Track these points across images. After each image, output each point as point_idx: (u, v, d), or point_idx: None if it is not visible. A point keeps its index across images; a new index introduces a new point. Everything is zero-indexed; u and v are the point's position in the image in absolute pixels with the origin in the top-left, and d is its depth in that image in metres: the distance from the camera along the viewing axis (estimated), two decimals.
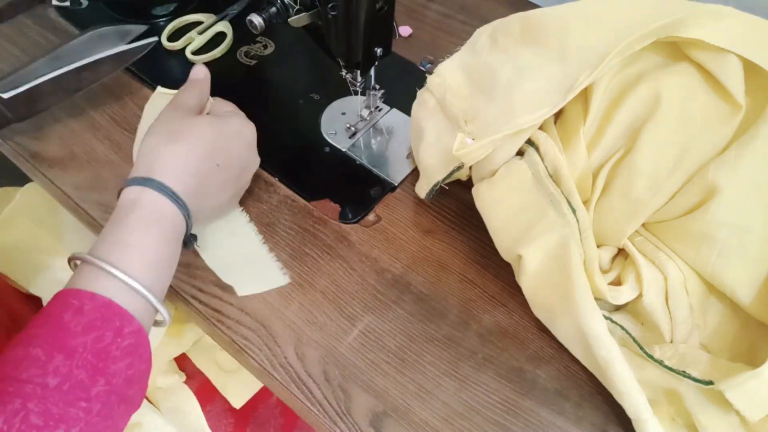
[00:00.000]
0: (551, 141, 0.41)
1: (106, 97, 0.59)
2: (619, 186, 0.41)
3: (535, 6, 0.70)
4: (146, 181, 0.40)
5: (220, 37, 0.65)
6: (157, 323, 0.40)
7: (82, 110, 0.58)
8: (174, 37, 0.65)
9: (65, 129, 0.57)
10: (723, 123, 0.39)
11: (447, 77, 0.45)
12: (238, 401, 0.59)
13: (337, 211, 0.52)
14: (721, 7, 0.38)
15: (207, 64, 0.62)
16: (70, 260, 0.38)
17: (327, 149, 0.57)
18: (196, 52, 0.63)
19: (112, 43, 0.58)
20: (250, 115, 0.51)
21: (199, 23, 0.66)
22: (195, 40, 0.64)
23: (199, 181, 0.42)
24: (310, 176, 0.55)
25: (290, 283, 0.47)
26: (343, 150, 0.56)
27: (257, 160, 0.50)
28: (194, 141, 0.43)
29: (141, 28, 0.63)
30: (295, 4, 0.46)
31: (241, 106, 0.51)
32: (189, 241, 0.43)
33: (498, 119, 0.40)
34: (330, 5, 0.44)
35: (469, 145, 0.40)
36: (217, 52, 0.64)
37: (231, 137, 0.46)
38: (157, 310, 0.38)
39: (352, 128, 0.57)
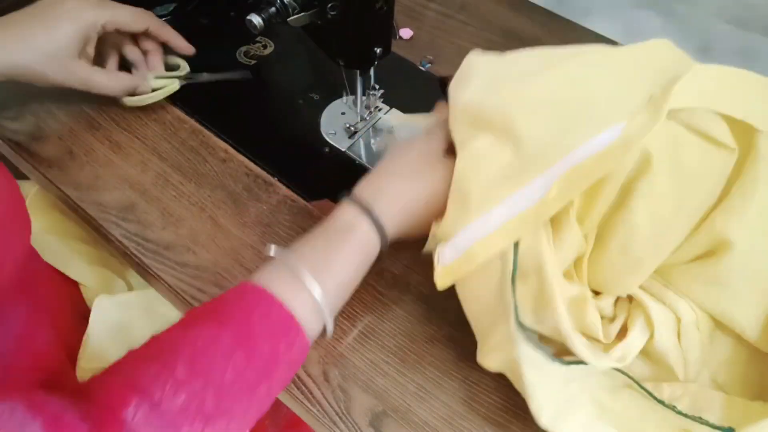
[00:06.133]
0: (540, 234, 0.37)
1: (106, 97, 0.59)
2: (617, 242, 0.40)
3: (534, 6, 0.70)
4: (367, 212, 0.40)
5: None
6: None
7: (82, 110, 0.58)
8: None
9: (65, 129, 0.57)
10: (717, 167, 0.38)
11: None
12: None
13: None
14: (695, 66, 0.36)
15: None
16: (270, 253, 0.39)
17: (326, 149, 0.57)
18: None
19: None
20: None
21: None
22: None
23: (412, 220, 0.42)
24: (310, 176, 0.55)
25: None
26: (343, 150, 0.56)
27: None
28: (423, 186, 0.42)
29: None
30: (296, 4, 0.46)
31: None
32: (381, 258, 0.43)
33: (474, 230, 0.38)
34: (330, 5, 0.44)
35: (447, 266, 0.39)
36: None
37: None
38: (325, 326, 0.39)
39: (352, 128, 0.57)
